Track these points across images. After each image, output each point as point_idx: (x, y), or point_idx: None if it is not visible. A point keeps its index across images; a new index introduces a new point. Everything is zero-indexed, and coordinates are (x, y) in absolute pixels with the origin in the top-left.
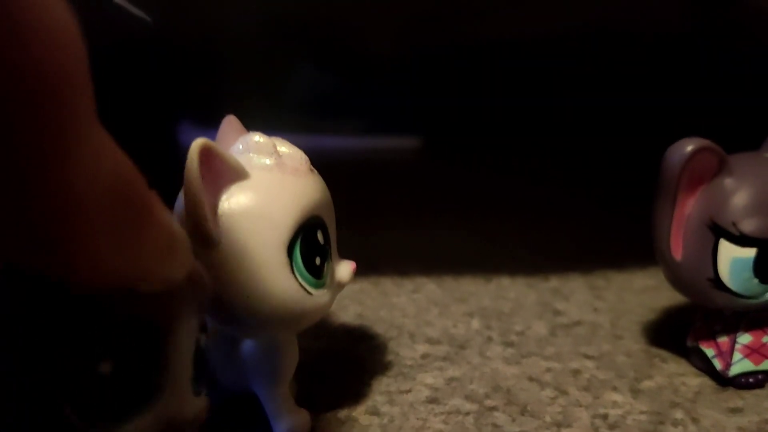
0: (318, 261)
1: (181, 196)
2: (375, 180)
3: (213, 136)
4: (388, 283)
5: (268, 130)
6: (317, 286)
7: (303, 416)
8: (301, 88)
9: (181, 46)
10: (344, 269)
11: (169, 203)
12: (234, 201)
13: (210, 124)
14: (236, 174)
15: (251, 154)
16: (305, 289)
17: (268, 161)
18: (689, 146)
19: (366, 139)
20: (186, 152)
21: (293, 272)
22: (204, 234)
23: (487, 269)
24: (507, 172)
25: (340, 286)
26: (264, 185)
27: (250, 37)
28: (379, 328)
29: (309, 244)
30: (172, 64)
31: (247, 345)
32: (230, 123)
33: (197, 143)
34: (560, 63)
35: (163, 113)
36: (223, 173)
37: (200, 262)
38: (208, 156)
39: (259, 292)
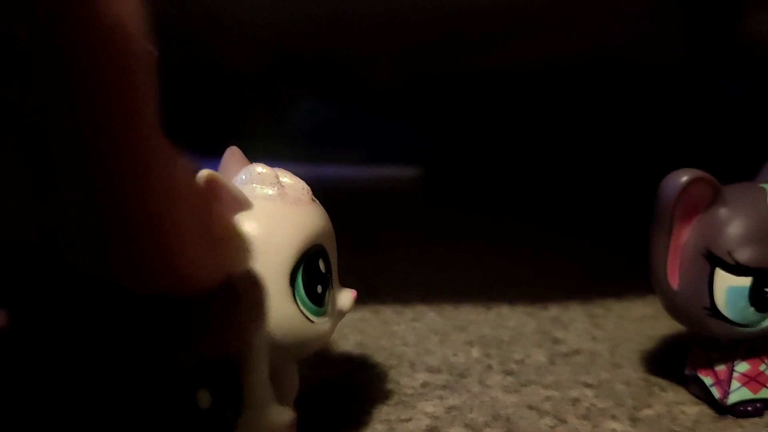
0: (320, 289)
1: None
2: (375, 209)
3: (213, 167)
4: (388, 312)
5: (270, 159)
6: (319, 314)
7: None
8: (302, 118)
9: (184, 77)
10: (345, 297)
11: None
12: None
13: (210, 155)
14: (240, 204)
15: (254, 185)
16: (307, 318)
17: (270, 192)
18: (684, 177)
19: (366, 169)
20: None
21: (295, 300)
22: None
23: (487, 298)
24: (506, 201)
25: (341, 314)
26: (267, 215)
27: (251, 69)
28: (379, 357)
29: (311, 272)
30: (175, 95)
31: None
32: (233, 154)
33: (203, 174)
34: (560, 95)
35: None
36: (227, 203)
37: None
38: (213, 186)
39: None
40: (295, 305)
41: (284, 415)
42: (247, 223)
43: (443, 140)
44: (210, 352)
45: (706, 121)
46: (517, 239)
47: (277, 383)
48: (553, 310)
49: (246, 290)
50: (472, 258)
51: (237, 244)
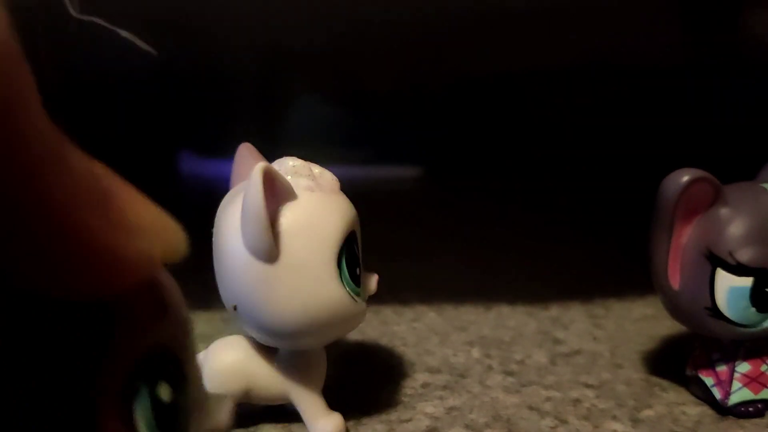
0: (358, 271)
1: (234, 214)
2: (376, 209)
3: (214, 166)
4: (388, 312)
5: (270, 160)
6: (358, 294)
7: (337, 419)
8: (302, 118)
9: (186, 78)
10: (371, 280)
11: None
12: (289, 219)
13: (213, 155)
14: (288, 195)
15: (289, 177)
16: (352, 297)
17: (307, 182)
18: (685, 177)
19: (367, 169)
20: (188, 181)
21: (342, 282)
22: (267, 250)
23: (487, 298)
24: (507, 201)
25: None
26: (312, 204)
27: (253, 69)
28: (380, 357)
29: (350, 256)
30: (177, 95)
31: (284, 355)
32: (247, 149)
33: (260, 167)
34: (560, 96)
35: (166, 143)
36: (278, 195)
37: (260, 278)
38: (269, 179)
39: (317, 301)
40: (342, 286)
41: (223, 405)
42: (297, 212)
43: (444, 140)
44: (153, 341)
45: (706, 120)
46: (518, 239)
47: (308, 368)
48: (554, 311)
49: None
50: (472, 258)
51: (161, 230)
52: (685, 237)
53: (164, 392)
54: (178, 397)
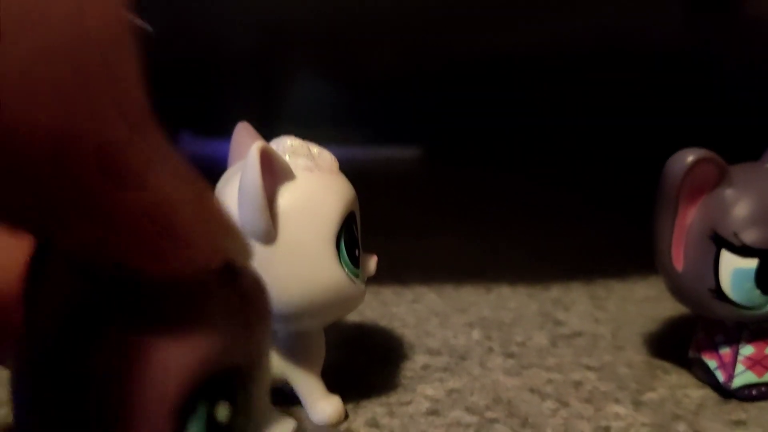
0: (357, 252)
1: (231, 194)
2: (375, 189)
3: (213, 145)
4: (387, 293)
5: (268, 140)
6: (357, 275)
7: (336, 402)
8: (302, 98)
9: (183, 56)
10: (370, 262)
11: None
12: (287, 200)
13: (209, 134)
14: (286, 175)
15: (287, 157)
16: (351, 278)
17: (305, 162)
18: (690, 157)
19: (366, 149)
20: (185, 160)
21: (341, 263)
22: (265, 231)
23: (488, 279)
24: (507, 182)
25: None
26: (311, 185)
27: (251, 48)
28: (379, 339)
29: (349, 236)
30: (174, 74)
31: (282, 337)
32: (244, 129)
33: (257, 146)
34: (560, 74)
35: (162, 122)
36: (276, 175)
37: (257, 259)
38: (266, 158)
39: (315, 283)
40: (341, 267)
41: (289, 424)
42: (295, 192)
43: (444, 120)
44: (226, 358)
45: (712, 100)
46: (519, 220)
47: (307, 350)
48: (555, 292)
49: (251, 287)
50: (472, 238)
51: (232, 228)
52: (690, 218)
53: (222, 413)
54: (237, 418)
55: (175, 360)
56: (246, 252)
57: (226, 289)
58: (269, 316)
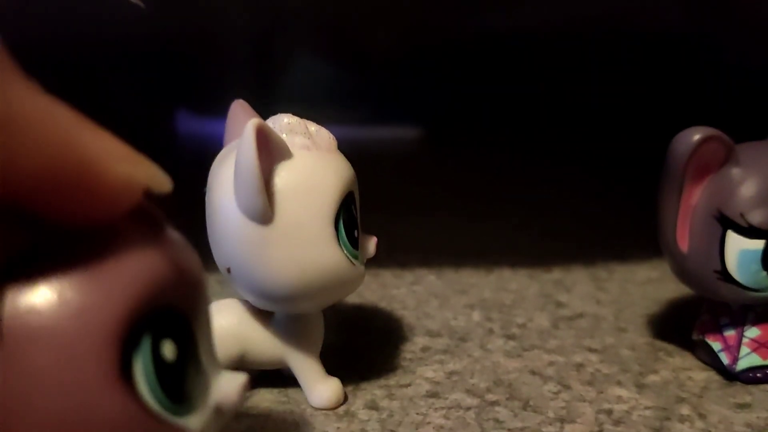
0: (356, 233)
1: (227, 173)
2: (374, 170)
3: (211, 125)
4: (387, 275)
5: (267, 117)
6: (356, 257)
7: (335, 384)
8: (300, 77)
9: (178, 34)
10: (369, 243)
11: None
12: (284, 179)
13: (207, 113)
14: (283, 154)
15: (284, 135)
16: (350, 260)
17: (303, 140)
18: (696, 135)
19: (366, 129)
20: (184, 140)
21: (339, 244)
22: (261, 211)
23: (488, 260)
24: (509, 163)
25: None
26: (308, 164)
27: (248, 25)
28: (378, 321)
29: (348, 217)
30: (169, 52)
31: (280, 319)
32: (241, 106)
33: (253, 124)
34: (564, 53)
35: (160, 101)
36: (272, 153)
37: (254, 240)
38: (262, 136)
39: (313, 264)
40: (340, 248)
41: (239, 376)
42: (292, 171)
43: (445, 100)
44: (162, 295)
45: (718, 78)
46: (520, 201)
47: (305, 333)
48: (556, 273)
49: (174, 235)
50: (473, 220)
51: (138, 157)
52: (695, 198)
53: (168, 349)
54: (185, 359)
55: (108, 293)
56: (160, 178)
57: (150, 232)
58: (198, 270)
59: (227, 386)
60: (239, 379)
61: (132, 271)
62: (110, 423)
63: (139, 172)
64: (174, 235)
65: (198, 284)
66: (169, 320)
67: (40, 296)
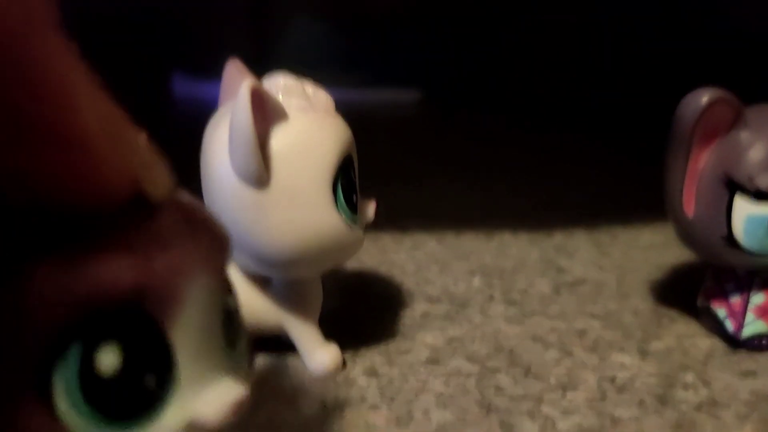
0: (354, 198)
1: (222, 136)
2: (374, 134)
3: (207, 87)
4: (386, 240)
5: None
6: (355, 222)
7: (334, 350)
8: (297, 39)
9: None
10: (368, 207)
11: (164, 152)
12: (280, 141)
13: (204, 75)
14: (279, 115)
15: (280, 96)
16: (348, 224)
17: (300, 102)
18: (704, 97)
19: (365, 92)
20: (180, 103)
21: (338, 208)
22: (257, 175)
23: (489, 225)
24: (509, 126)
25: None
26: (305, 126)
27: None
28: (378, 286)
29: (346, 181)
30: (165, 12)
31: (278, 285)
32: (236, 67)
33: (247, 85)
34: (565, 17)
35: (156, 63)
36: (268, 115)
37: (250, 204)
38: (258, 97)
39: (311, 229)
40: (338, 213)
41: (233, 391)
42: (289, 134)
43: (444, 63)
44: (115, 290)
45: (728, 40)
46: (521, 165)
47: (303, 298)
48: (558, 238)
49: (172, 214)
50: (473, 184)
51: (149, 157)
52: (703, 162)
53: (108, 361)
54: (138, 369)
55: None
56: (164, 186)
57: (133, 225)
58: (199, 270)
59: (211, 401)
60: (232, 393)
61: (63, 273)
62: None
63: (137, 166)
64: (170, 230)
65: (183, 284)
66: (125, 325)
67: None
